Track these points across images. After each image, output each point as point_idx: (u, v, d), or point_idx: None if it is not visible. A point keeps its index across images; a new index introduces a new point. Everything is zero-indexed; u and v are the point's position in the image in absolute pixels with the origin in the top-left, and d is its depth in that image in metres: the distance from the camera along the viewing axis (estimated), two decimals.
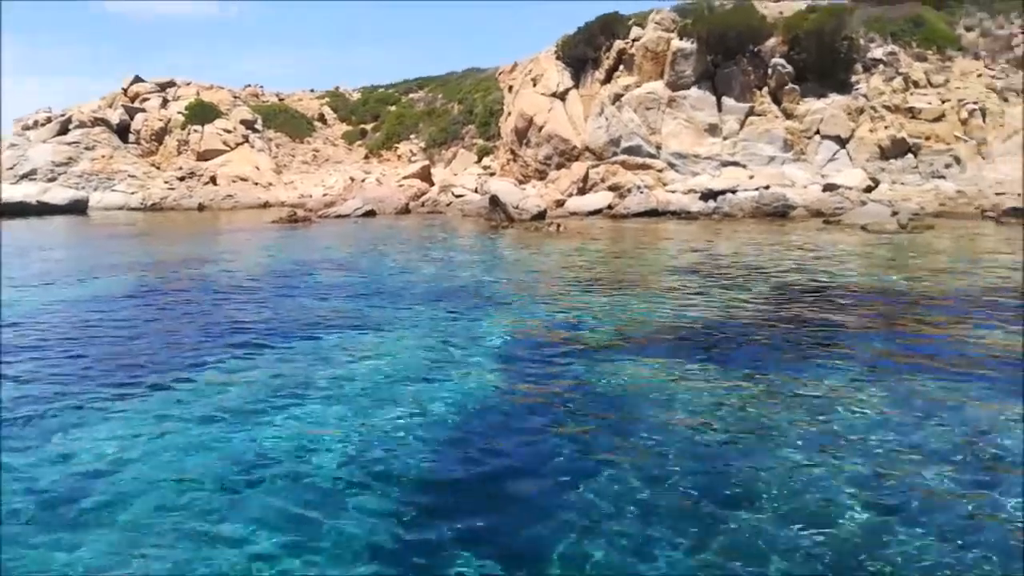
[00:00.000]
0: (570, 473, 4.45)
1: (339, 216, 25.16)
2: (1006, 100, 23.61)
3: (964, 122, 23.02)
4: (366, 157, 42.73)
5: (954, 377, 6.05)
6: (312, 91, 52.28)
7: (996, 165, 22.41)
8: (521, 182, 26.22)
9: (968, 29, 25.76)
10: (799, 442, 4.82)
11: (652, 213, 21.24)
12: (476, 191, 26.77)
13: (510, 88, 30.59)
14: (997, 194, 20.43)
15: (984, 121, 23.03)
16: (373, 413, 5.46)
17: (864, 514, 3.87)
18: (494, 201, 21.13)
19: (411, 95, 49.12)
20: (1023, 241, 14.25)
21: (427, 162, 34.00)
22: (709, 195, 21.34)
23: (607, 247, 15.81)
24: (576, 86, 26.54)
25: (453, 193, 27.42)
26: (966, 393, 5.67)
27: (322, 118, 46.83)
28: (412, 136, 42.82)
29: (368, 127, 45.94)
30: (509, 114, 28.97)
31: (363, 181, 34.03)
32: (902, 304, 9.18)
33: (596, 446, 4.85)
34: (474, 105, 41.28)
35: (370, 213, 25.25)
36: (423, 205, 27.43)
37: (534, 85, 27.42)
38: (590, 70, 26.18)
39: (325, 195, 31.43)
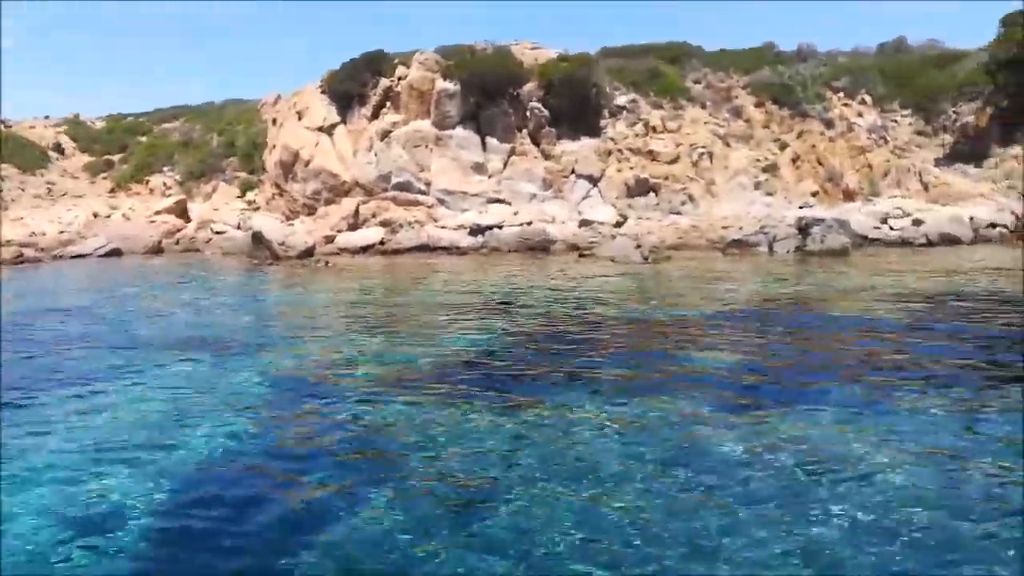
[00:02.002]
0: (326, 528, 4.27)
1: (78, 256, 22.60)
2: (728, 145, 26.95)
3: (695, 164, 25.90)
4: (112, 191, 38.90)
5: (685, 394, 6.68)
6: (47, 118, 46.80)
7: (722, 202, 25.45)
8: (288, 217, 25.31)
9: (696, 82, 29.16)
10: (550, 473, 5.02)
11: (424, 248, 21.48)
12: (239, 227, 25.37)
13: (274, 121, 29.57)
14: (723, 228, 23.18)
15: (711, 163, 26.10)
16: (82, 487, 4.87)
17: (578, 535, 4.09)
18: (257, 238, 20.17)
19: (165, 125, 45.69)
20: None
21: (183, 196, 31.68)
22: (477, 230, 22.03)
23: (378, 283, 15.69)
24: (343, 121, 26.27)
25: (213, 229, 25.76)
26: (695, 407, 6.27)
27: (59, 148, 42.03)
28: (166, 168, 39.73)
29: (115, 158, 41.94)
30: (274, 147, 27.93)
31: (108, 217, 30.90)
32: (644, 329, 10.03)
33: (359, 497, 4.70)
34: (236, 137, 39.28)
35: (116, 252, 22.97)
36: (178, 243, 25.48)
37: (299, 119, 26.74)
38: (357, 106, 26.08)
39: (62, 232, 28.07)
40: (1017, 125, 25.01)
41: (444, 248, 21.37)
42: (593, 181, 24.79)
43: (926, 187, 24.43)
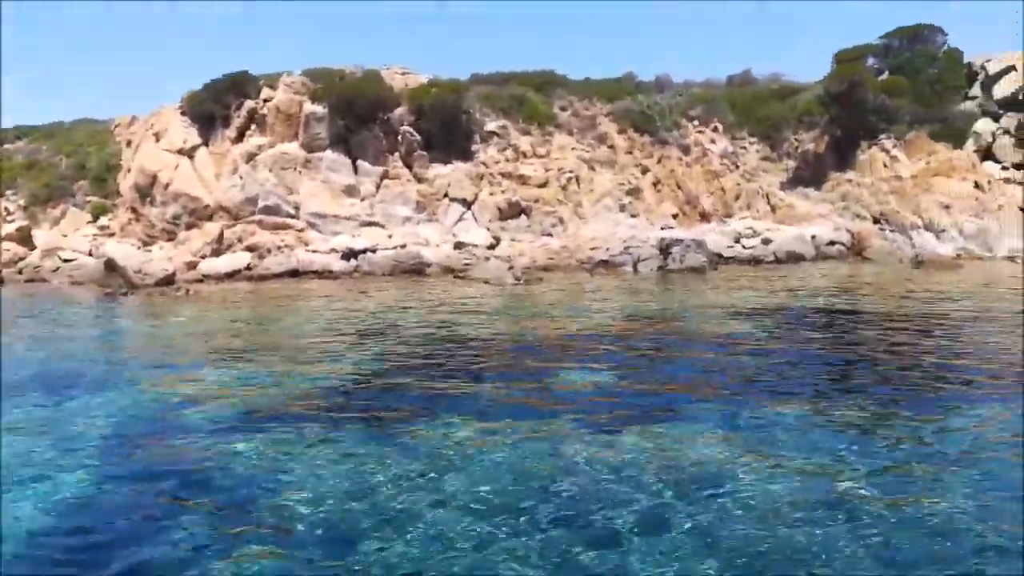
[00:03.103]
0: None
1: None
2: (594, 169, 27.99)
3: (564, 188, 26.73)
4: None
5: (555, 412, 6.89)
6: None
7: (590, 224, 26.37)
8: (146, 243, 23.95)
9: (562, 109, 30.15)
10: (420, 501, 5.05)
11: (294, 273, 20.92)
12: (90, 254, 23.75)
13: (129, 143, 28.03)
14: (591, 248, 24.01)
15: (579, 187, 27.02)
16: None
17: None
18: (111, 265, 19.00)
19: (7, 146, 42.11)
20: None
21: (26, 222, 29.30)
22: (350, 254, 21.72)
23: (244, 311, 15.14)
24: (206, 143, 25.28)
25: (61, 257, 23.97)
26: (558, 427, 6.48)
27: None
28: (9, 192, 36.60)
29: None
30: (129, 170, 26.46)
31: None
32: (517, 349, 10.24)
33: (217, 547, 4.54)
34: (87, 159, 36.78)
35: None
36: (20, 272, 23.54)
37: (157, 140, 25.49)
38: (220, 128, 25.19)
39: None
40: (850, 152, 27.52)
41: (315, 272, 20.90)
42: (466, 204, 25.05)
43: (773, 209, 26.36)
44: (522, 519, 4.61)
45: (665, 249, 21.30)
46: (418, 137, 25.07)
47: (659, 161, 27.95)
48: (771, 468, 5.35)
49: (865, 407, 6.88)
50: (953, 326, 11.36)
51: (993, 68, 30.32)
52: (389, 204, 24.00)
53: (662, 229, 24.34)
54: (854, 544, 4.19)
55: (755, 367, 8.74)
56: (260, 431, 6.49)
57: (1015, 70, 29.77)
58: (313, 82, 25.28)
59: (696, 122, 30.13)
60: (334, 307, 14.99)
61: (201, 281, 20.24)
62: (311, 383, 8.33)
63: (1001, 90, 29.73)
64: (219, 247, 22.49)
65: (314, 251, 21.82)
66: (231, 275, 21.05)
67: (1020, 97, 29.07)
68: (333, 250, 21.78)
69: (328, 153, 24.28)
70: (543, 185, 26.20)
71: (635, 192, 26.55)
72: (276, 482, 5.32)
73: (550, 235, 24.72)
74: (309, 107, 24.33)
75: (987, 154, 28.13)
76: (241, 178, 23.74)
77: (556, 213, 25.46)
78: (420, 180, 24.95)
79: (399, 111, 25.38)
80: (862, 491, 4.91)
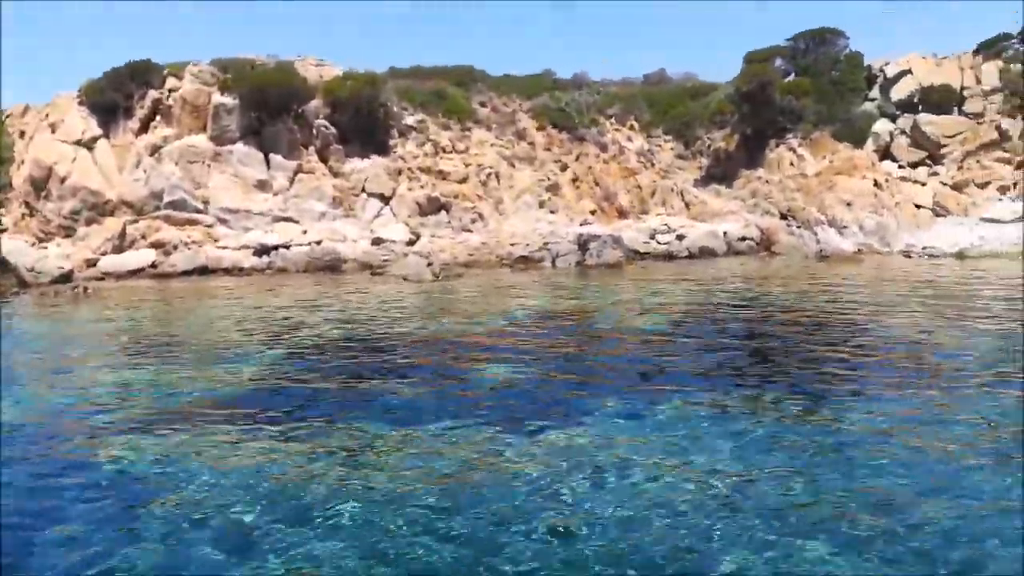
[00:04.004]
0: None
1: None
2: (513, 166, 28.03)
3: (484, 184, 26.67)
4: None
5: (470, 408, 6.80)
6: None
7: (510, 220, 26.40)
8: (41, 240, 22.58)
9: (482, 105, 30.07)
10: (335, 498, 4.88)
11: (203, 270, 20.13)
12: None
13: (22, 134, 26.36)
14: (511, 244, 24.04)
15: (499, 183, 27.00)
16: None
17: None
18: (2, 263, 17.81)
19: None
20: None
21: None
22: (263, 250, 21.06)
23: (148, 310, 14.45)
24: (106, 135, 24.02)
25: None
26: (473, 425, 6.40)
27: None
28: None
29: None
30: (22, 162, 24.89)
31: None
32: (434, 345, 10.10)
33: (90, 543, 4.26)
34: None
35: None
36: None
37: (53, 131, 24.05)
38: (122, 119, 23.98)
39: None
40: (759, 150, 28.46)
41: (225, 270, 20.17)
42: (384, 200, 24.67)
43: (687, 205, 27.01)
44: (431, 515, 4.51)
45: (583, 245, 21.51)
46: (334, 130, 24.51)
47: (577, 158, 28.22)
48: (672, 460, 5.42)
49: (764, 398, 7.07)
50: (850, 318, 11.85)
51: (891, 71, 31.93)
52: (304, 199, 23.38)
53: (580, 225, 24.58)
54: (746, 535, 4.26)
55: (664, 359, 8.88)
56: (161, 433, 6.17)
57: (910, 74, 31.43)
58: (222, 72, 24.38)
59: (613, 120, 30.57)
60: (244, 305, 14.49)
61: (102, 279, 19.26)
62: (217, 384, 7.99)
63: (898, 92, 31.34)
64: (121, 244, 21.42)
65: (224, 247, 21.05)
66: (135, 273, 20.10)
67: (915, 99, 30.72)
68: (245, 246, 21.06)
69: (239, 146, 23.47)
70: (463, 181, 26.06)
71: (554, 188, 26.72)
72: (176, 484, 5.05)
73: (470, 231, 24.61)
74: (218, 98, 23.46)
75: (885, 153, 29.60)
76: (145, 171, 22.68)
77: (476, 209, 25.37)
78: (336, 175, 24.41)
79: (314, 104, 24.75)
80: (757, 482, 5.02)
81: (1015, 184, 27.07)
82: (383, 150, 25.57)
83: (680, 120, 30.75)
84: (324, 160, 24.54)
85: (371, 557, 4.07)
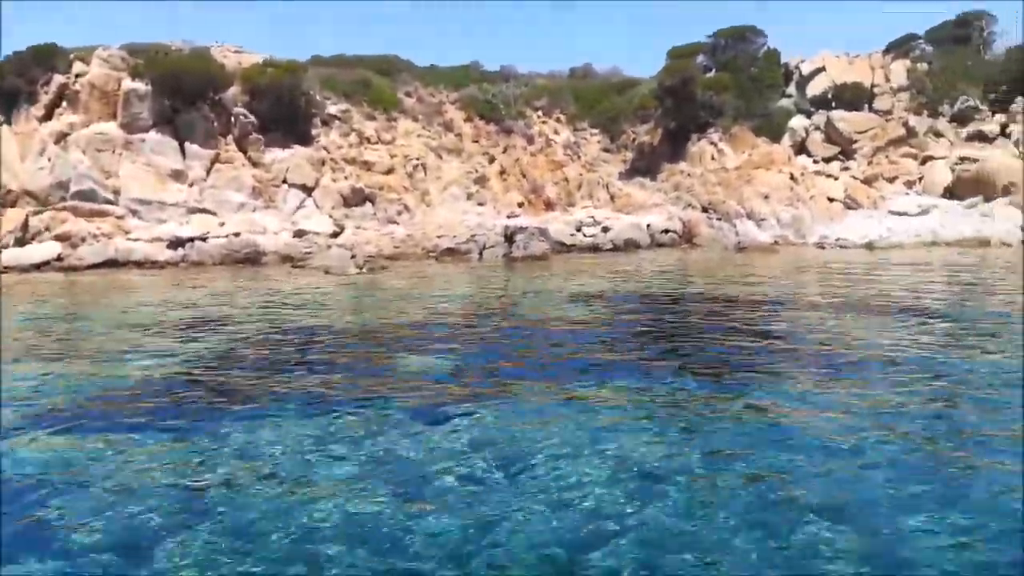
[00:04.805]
0: None
1: None
2: (440, 157, 27.83)
3: (410, 175, 26.38)
4: None
5: (389, 402, 6.67)
6: None
7: (437, 212, 26.20)
8: None
9: (407, 95, 29.72)
10: (238, 503, 4.70)
11: (112, 263, 19.27)
12: None
13: None
14: (438, 236, 23.87)
15: (425, 174, 26.75)
16: None
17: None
18: None
19: None
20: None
21: None
22: (177, 243, 20.28)
23: (52, 305, 13.70)
24: (7, 122, 22.69)
25: None
26: (392, 417, 6.28)
27: None
28: None
29: None
30: None
31: None
32: (356, 339, 9.91)
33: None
34: None
35: None
36: None
37: None
38: (24, 105, 22.71)
39: None
40: (682, 144, 29.03)
41: (137, 263, 19.35)
42: (307, 190, 24.13)
43: (613, 198, 27.36)
44: (345, 506, 4.39)
45: (510, 237, 21.52)
46: (253, 119, 23.81)
47: (505, 150, 28.22)
48: (588, 447, 5.44)
49: (682, 385, 7.19)
50: (766, 307, 12.20)
51: (806, 69, 33.06)
52: (221, 190, 22.63)
53: (508, 218, 24.59)
54: (662, 520, 4.30)
55: (586, 349, 8.95)
56: (60, 433, 5.84)
57: (824, 72, 32.62)
58: (133, 57, 23.36)
59: (540, 113, 30.68)
60: (156, 299, 13.91)
61: (4, 272, 18.21)
62: (123, 381, 7.62)
63: (812, 89, 32.49)
64: (24, 236, 20.30)
65: (136, 239, 20.18)
66: (39, 266, 19.10)
67: (829, 96, 31.90)
68: (158, 239, 20.25)
69: (152, 134, 22.54)
70: (389, 172, 25.74)
71: (482, 180, 26.66)
72: (69, 484, 4.78)
73: (396, 223, 24.32)
74: (129, 84, 22.48)
75: (801, 148, 30.65)
76: (50, 160, 21.51)
77: (402, 201, 25.10)
78: (256, 164, 23.73)
79: (232, 91, 23.98)
80: (674, 471, 5.08)
81: (920, 179, 28.44)
82: (305, 140, 24.99)
83: (606, 114, 31.09)
84: (243, 150, 23.82)
85: (274, 553, 3.93)
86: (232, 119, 23.67)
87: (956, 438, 5.58)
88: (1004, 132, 29.50)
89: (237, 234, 20.74)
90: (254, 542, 4.11)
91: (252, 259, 20.04)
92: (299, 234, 21.81)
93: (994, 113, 30.70)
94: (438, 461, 5.23)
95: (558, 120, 30.82)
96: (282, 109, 24.32)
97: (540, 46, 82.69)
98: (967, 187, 26.81)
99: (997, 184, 26.02)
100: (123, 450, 5.54)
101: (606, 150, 30.80)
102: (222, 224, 21.46)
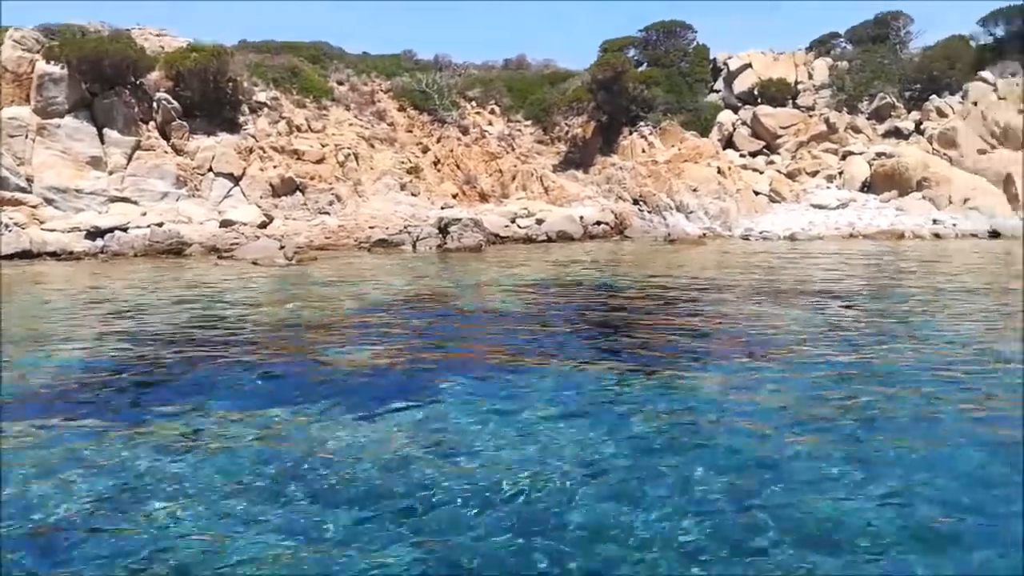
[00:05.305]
0: None
1: None
2: (373, 147, 27.48)
3: (342, 164, 25.94)
4: None
5: (319, 396, 6.58)
6: None
7: (370, 202, 25.88)
8: None
9: (339, 83, 29.21)
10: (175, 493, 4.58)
11: (26, 254, 18.39)
12: None
13: None
14: (370, 227, 23.59)
15: (358, 164, 26.36)
16: None
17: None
18: None
19: None
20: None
21: None
22: (96, 233, 19.49)
23: None
24: None
25: None
26: (322, 408, 6.20)
27: None
28: None
29: None
30: None
31: None
32: (283, 332, 9.73)
33: None
34: None
35: None
36: None
37: None
38: None
39: None
40: (614, 137, 29.43)
41: (53, 254, 18.53)
42: (234, 179, 23.51)
43: (546, 190, 27.54)
44: (274, 503, 4.33)
45: (444, 228, 21.45)
46: (176, 105, 23.04)
47: (439, 141, 28.08)
48: (516, 434, 5.50)
49: (616, 370, 7.33)
50: (692, 296, 12.52)
51: (734, 65, 33.93)
52: (143, 178, 21.85)
53: (442, 209, 24.50)
54: (593, 504, 4.39)
55: (521, 337, 9.01)
56: None
57: (751, 68, 33.52)
58: (48, 38, 22.28)
59: (474, 103, 30.61)
60: (73, 290, 13.36)
61: None
62: (32, 376, 7.30)
63: (739, 85, 33.37)
64: None
65: (51, 230, 19.31)
66: None
67: (755, 92, 32.81)
68: (75, 228, 19.43)
69: (68, 120, 21.57)
70: (320, 161, 25.27)
71: (415, 171, 26.45)
72: None
73: (327, 213, 23.94)
74: (43, 66, 21.44)
75: (728, 142, 31.48)
76: None
77: (333, 190, 24.69)
78: (179, 152, 22.98)
79: (153, 76, 23.15)
80: (608, 449, 5.18)
81: (840, 173, 29.57)
82: (232, 127, 24.34)
83: (539, 106, 31.24)
84: (166, 136, 23.04)
85: (203, 550, 3.85)
86: (154, 105, 22.86)
87: (864, 415, 5.85)
88: (919, 129, 30.91)
89: (160, 224, 20.07)
90: (180, 538, 4.02)
91: (176, 250, 19.42)
92: (225, 224, 21.24)
93: (910, 110, 32.14)
94: (364, 456, 5.20)
95: (492, 112, 30.82)
96: (207, 95, 23.60)
97: (474, 37, 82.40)
98: (883, 182, 28.02)
99: (912, 179, 27.28)
100: (36, 445, 5.32)
101: (540, 142, 30.95)
102: (144, 214, 20.75)
